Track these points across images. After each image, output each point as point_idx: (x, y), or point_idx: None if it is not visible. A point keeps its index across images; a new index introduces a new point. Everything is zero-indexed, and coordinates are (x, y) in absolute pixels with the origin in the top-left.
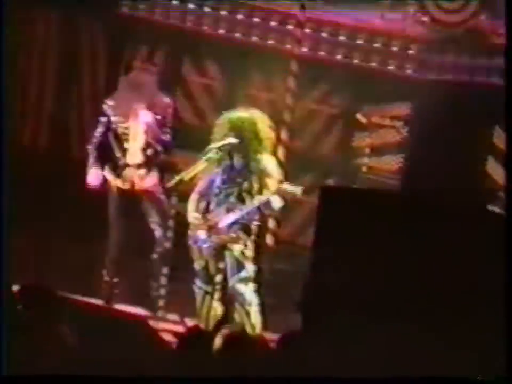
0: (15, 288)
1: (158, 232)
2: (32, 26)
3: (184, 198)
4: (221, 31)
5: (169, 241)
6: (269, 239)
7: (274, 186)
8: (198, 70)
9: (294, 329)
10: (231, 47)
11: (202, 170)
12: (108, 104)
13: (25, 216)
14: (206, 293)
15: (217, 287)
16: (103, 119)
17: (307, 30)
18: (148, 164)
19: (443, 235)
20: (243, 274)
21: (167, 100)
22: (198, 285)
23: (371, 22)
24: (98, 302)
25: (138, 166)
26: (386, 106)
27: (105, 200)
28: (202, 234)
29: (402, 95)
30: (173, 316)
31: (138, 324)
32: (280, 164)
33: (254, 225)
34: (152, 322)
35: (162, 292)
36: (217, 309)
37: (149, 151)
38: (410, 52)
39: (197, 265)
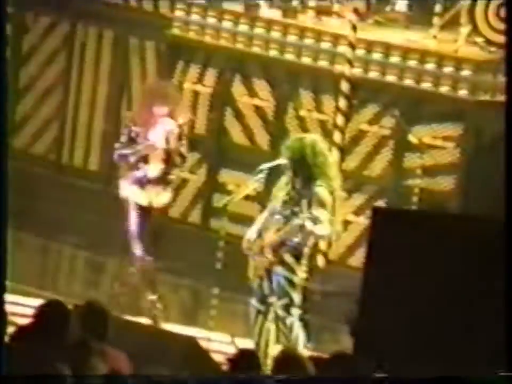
0: (70, 305)
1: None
2: (85, 45)
3: (234, 218)
4: (272, 52)
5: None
6: (320, 260)
7: (324, 212)
8: (248, 91)
9: (345, 350)
10: (281, 68)
11: (253, 191)
12: (129, 114)
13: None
14: (259, 312)
15: (271, 307)
16: (125, 129)
17: (358, 51)
18: (165, 179)
19: (496, 257)
20: (286, 301)
21: (185, 112)
22: (253, 304)
23: (423, 43)
24: (146, 321)
25: (156, 182)
26: (438, 127)
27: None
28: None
29: (454, 116)
30: (223, 337)
31: (189, 345)
32: (334, 188)
33: (305, 248)
34: (202, 343)
35: (213, 312)
36: (270, 329)
37: (167, 165)
38: (463, 72)
39: (254, 284)
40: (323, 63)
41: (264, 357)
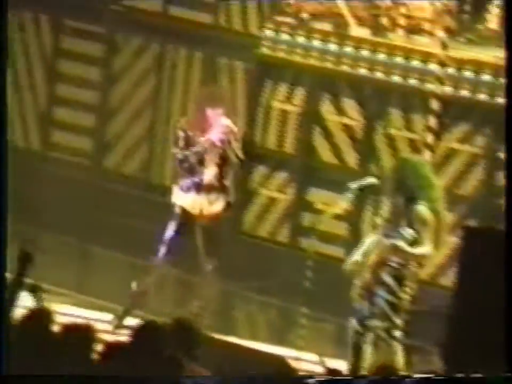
0: (160, 321)
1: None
2: (175, 65)
3: (323, 237)
4: (361, 71)
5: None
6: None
7: (424, 233)
8: (337, 109)
9: (436, 370)
10: (371, 86)
11: (342, 210)
12: (184, 119)
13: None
14: (357, 333)
15: (370, 330)
16: (181, 134)
17: (449, 69)
18: (219, 186)
19: None
20: (388, 323)
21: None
22: (352, 324)
23: None
24: (236, 340)
25: (210, 189)
26: None
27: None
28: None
29: None
30: (312, 356)
31: (278, 364)
32: (437, 210)
33: (406, 270)
34: (292, 362)
35: (302, 331)
36: (367, 351)
37: (222, 170)
38: None
39: (356, 304)
40: (413, 81)
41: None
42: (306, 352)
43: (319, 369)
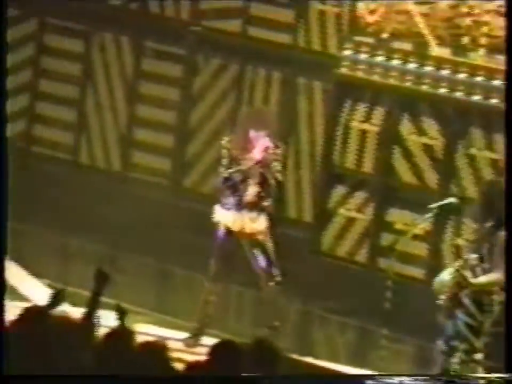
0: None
1: (265, 277)
2: (254, 85)
3: (402, 258)
4: (442, 90)
5: (278, 285)
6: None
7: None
8: (417, 129)
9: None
10: (451, 106)
11: (422, 230)
12: (228, 139)
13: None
14: (443, 352)
15: (455, 350)
16: (226, 152)
17: None
18: (260, 205)
19: None
20: (466, 345)
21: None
22: (438, 344)
23: None
24: (315, 361)
25: (251, 207)
26: None
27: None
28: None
29: None
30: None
31: None
32: None
33: (485, 294)
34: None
35: (383, 353)
36: (451, 369)
37: (263, 189)
38: None
39: (443, 324)
40: (494, 101)
41: None
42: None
43: None
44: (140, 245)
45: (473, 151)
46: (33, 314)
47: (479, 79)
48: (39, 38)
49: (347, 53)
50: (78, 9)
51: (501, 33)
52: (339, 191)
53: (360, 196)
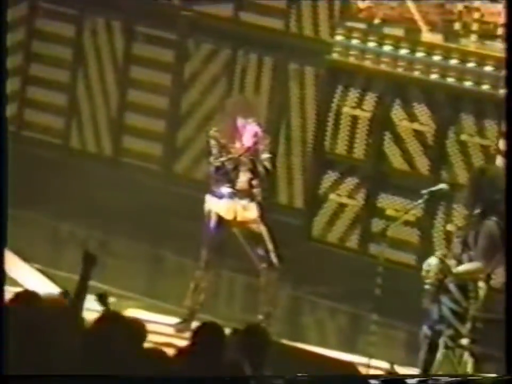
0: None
1: (263, 264)
2: (246, 71)
3: (393, 244)
4: (433, 76)
5: (276, 271)
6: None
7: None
8: (408, 115)
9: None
10: (443, 92)
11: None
12: (214, 129)
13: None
14: (427, 337)
15: (440, 335)
16: (214, 143)
17: None
18: (251, 193)
19: None
20: (451, 331)
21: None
22: (423, 329)
23: None
24: (305, 346)
25: (243, 195)
26: None
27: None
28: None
29: None
30: (382, 363)
31: (348, 371)
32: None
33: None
34: (361, 369)
35: (372, 338)
36: (436, 355)
37: (254, 176)
38: None
39: (428, 310)
40: (486, 87)
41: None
42: (376, 359)
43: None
44: (131, 230)
45: (464, 137)
46: (24, 298)
47: (470, 65)
48: (30, 22)
49: (339, 38)
50: None
51: (493, 19)
52: (330, 177)
53: (351, 181)
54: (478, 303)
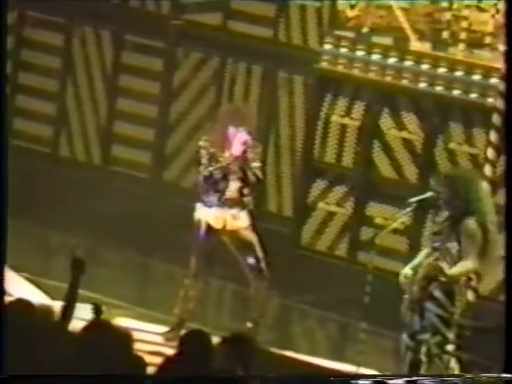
0: (215, 340)
1: (253, 273)
2: (235, 79)
3: (382, 252)
4: (422, 85)
5: (266, 280)
6: (470, 295)
7: (472, 250)
8: (396, 124)
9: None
10: (431, 101)
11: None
12: (205, 138)
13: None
14: (408, 348)
15: (422, 344)
16: (204, 152)
17: None
18: (242, 202)
19: None
20: (439, 338)
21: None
22: (403, 339)
23: None
24: (294, 355)
25: (233, 204)
26: None
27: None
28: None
29: None
30: (371, 372)
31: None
32: (486, 224)
33: (455, 284)
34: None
35: (361, 347)
36: (420, 365)
37: (244, 184)
38: None
39: (406, 319)
40: (474, 96)
41: None
42: (365, 367)
43: None
44: (120, 238)
45: (452, 145)
46: (17, 307)
47: (459, 73)
48: (18, 30)
49: (327, 47)
50: (58, 2)
51: (481, 27)
52: (319, 185)
53: (340, 190)
54: (465, 310)
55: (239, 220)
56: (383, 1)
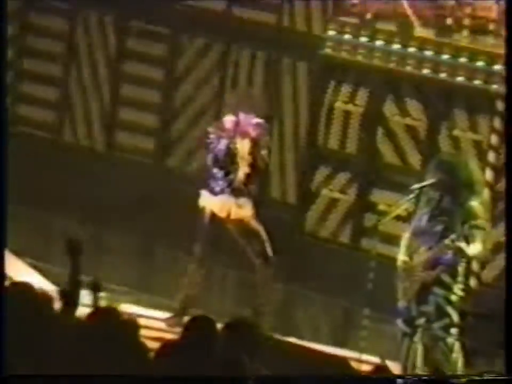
0: (219, 325)
1: (258, 260)
2: (238, 66)
3: (385, 239)
4: (425, 71)
5: (271, 267)
6: (473, 282)
7: (478, 232)
8: (400, 110)
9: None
10: (435, 87)
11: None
12: (216, 124)
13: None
14: (405, 334)
15: (419, 329)
16: (213, 137)
17: None
18: (247, 190)
19: None
20: (446, 321)
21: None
22: (399, 325)
23: None
24: (297, 341)
25: (238, 193)
26: None
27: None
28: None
29: None
30: (374, 358)
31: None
32: (487, 207)
33: (461, 267)
34: (353, 364)
35: (364, 333)
36: (417, 350)
37: (253, 171)
38: None
39: (400, 304)
40: (478, 82)
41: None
42: (368, 354)
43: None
44: (123, 224)
45: (456, 132)
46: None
47: (462, 60)
48: (22, 16)
49: (331, 33)
50: None
51: (485, 14)
52: (323, 171)
53: (343, 176)
54: (469, 296)
55: (243, 209)
56: None
